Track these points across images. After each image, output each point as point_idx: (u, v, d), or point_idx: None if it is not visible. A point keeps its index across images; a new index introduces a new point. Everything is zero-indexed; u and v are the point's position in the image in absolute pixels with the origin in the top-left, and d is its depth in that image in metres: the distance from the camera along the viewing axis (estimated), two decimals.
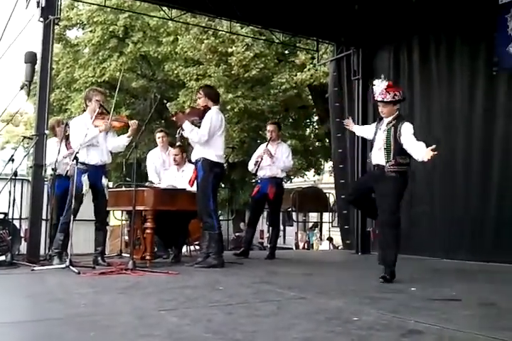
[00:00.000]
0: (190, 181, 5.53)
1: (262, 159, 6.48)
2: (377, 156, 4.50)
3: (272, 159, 6.44)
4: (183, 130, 5.31)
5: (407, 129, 4.39)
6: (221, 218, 11.51)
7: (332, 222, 13.89)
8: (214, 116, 5.33)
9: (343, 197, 8.38)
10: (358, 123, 8.44)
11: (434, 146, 4.19)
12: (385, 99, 4.43)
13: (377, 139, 4.56)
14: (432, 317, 2.81)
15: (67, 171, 5.18)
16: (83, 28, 17.86)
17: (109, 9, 14.92)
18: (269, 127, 6.71)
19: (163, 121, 17.89)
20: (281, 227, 20.23)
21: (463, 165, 7.00)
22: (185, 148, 6.26)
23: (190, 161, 6.57)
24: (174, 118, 5.57)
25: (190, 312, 2.82)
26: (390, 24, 8.23)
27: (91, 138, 5.02)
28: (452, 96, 7.32)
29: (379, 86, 4.47)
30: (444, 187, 7.24)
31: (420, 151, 4.26)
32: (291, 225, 17.77)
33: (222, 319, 2.67)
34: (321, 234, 15.46)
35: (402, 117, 4.61)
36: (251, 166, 6.62)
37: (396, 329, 2.51)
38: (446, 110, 7.36)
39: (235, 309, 2.97)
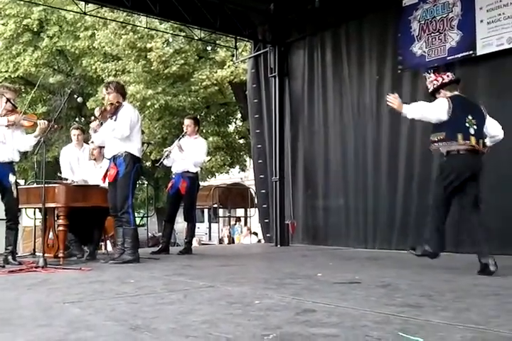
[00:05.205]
0: (103, 177, 5.45)
1: (170, 152, 6.50)
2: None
3: (182, 153, 6.45)
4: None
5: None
6: (140, 215, 11.41)
7: (255, 217, 14.05)
8: (132, 112, 5.35)
9: None
10: (274, 120, 8.67)
11: None
12: (429, 91, 4.61)
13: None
14: (329, 298, 2.99)
15: None
16: None
17: (22, 1, 14.34)
18: (186, 121, 6.73)
19: (82, 119, 17.44)
20: (207, 224, 20.33)
21: (372, 157, 7.41)
22: None
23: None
24: (99, 118, 5.48)
25: (94, 304, 2.85)
26: (303, 23, 8.51)
27: None
28: (362, 92, 7.68)
29: (428, 80, 4.61)
30: (356, 180, 7.62)
31: None
32: (217, 222, 17.78)
33: (126, 308, 2.71)
34: (248, 229, 15.62)
35: (456, 95, 4.46)
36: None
37: (292, 309, 2.65)
38: (356, 105, 7.71)
39: (141, 299, 3.02)
